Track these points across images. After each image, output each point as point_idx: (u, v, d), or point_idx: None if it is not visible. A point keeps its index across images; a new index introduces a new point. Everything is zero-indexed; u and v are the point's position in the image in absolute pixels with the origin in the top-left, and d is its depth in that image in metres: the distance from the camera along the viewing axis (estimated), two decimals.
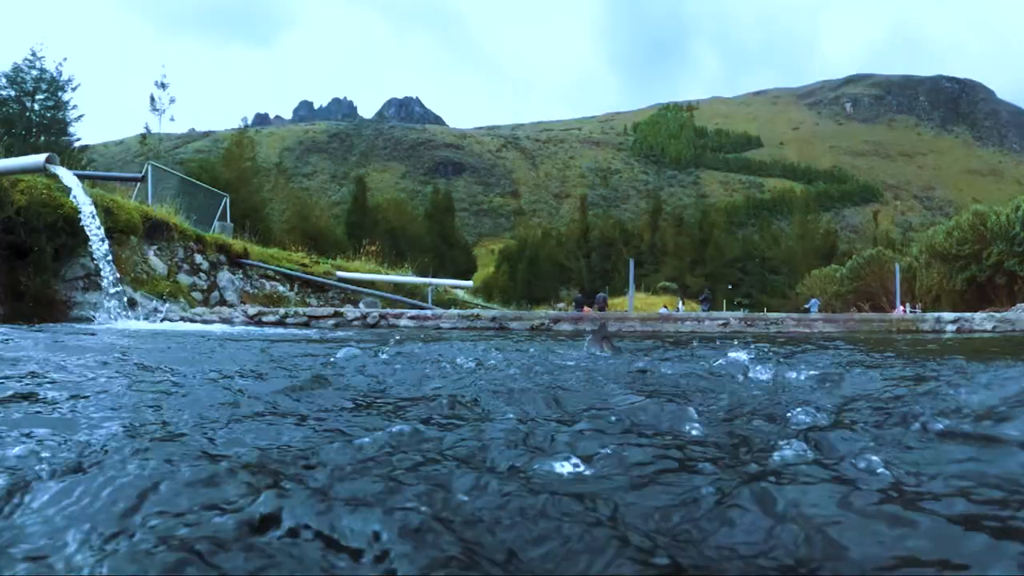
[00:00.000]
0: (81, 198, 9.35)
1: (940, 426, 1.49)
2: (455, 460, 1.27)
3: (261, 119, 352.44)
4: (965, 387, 2.07)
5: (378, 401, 2.16)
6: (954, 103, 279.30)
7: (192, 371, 2.97)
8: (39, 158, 9.73)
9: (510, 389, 2.24)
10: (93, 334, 6.03)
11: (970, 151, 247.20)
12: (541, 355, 3.93)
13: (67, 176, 9.64)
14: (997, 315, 9.44)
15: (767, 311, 30.48)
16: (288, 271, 15.58)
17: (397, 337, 6.18)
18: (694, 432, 1.57)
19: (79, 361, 3.26)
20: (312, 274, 16.55)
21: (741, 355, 3.08)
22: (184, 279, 12.22)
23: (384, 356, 3.60)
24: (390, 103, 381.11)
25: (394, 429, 1.49)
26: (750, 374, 2.73)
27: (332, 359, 3.57)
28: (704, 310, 32.40)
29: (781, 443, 1.37)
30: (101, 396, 2.14)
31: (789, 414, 1.72)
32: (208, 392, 2.34)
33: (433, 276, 25.83)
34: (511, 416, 1.72)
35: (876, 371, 2.97)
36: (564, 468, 1.21)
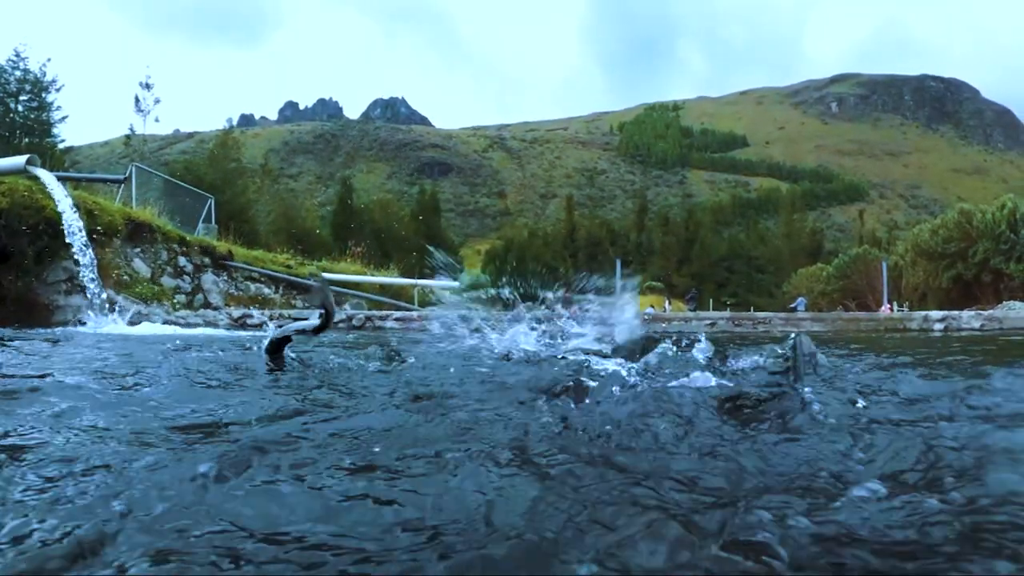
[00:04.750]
0: (62, 201, 9.20)
1: None
2: None
3: (246, 120, 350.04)
4: None
5: None
6: (939, 102, 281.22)
7: None
8: (20, 160, 9.60)
9: None
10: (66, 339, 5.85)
11: (955, 150, 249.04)
12: None
13: (48, 178, 9.49)
14: (985, 313, 9.48)
15: (754, 310, 30.59)
16: (273, 273, 15.44)
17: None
18: None
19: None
20: (297, 276, 16.41)
21: None
22: (168, 282, 12.08)
23: None
24: (376, 103, 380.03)
25: None
26: None
27: None
28: (691, 310, 32.51)
29: None
30: None
31: None
32: None
33: (419, 277, 25.70)
34: None
35: None
36: None
